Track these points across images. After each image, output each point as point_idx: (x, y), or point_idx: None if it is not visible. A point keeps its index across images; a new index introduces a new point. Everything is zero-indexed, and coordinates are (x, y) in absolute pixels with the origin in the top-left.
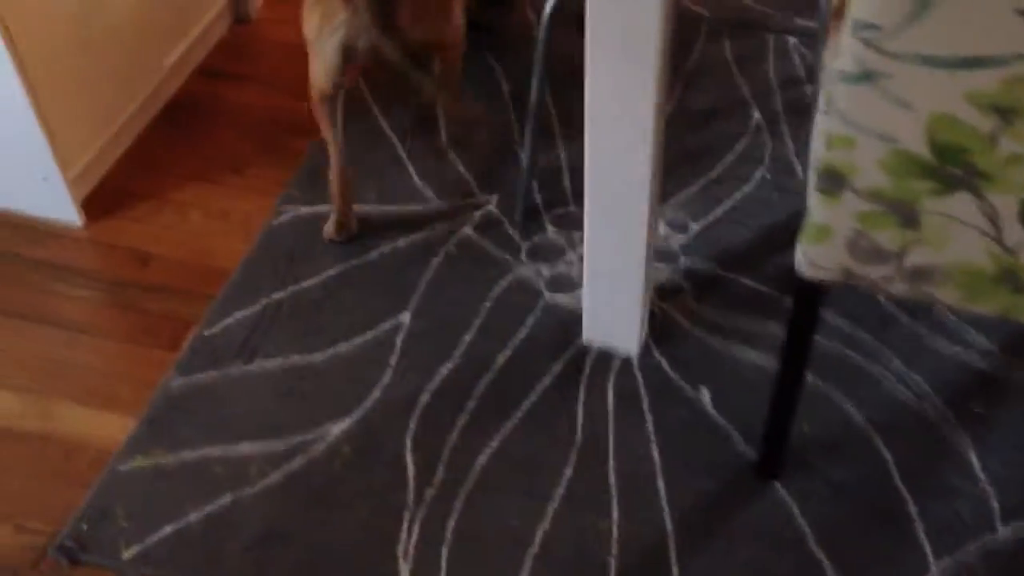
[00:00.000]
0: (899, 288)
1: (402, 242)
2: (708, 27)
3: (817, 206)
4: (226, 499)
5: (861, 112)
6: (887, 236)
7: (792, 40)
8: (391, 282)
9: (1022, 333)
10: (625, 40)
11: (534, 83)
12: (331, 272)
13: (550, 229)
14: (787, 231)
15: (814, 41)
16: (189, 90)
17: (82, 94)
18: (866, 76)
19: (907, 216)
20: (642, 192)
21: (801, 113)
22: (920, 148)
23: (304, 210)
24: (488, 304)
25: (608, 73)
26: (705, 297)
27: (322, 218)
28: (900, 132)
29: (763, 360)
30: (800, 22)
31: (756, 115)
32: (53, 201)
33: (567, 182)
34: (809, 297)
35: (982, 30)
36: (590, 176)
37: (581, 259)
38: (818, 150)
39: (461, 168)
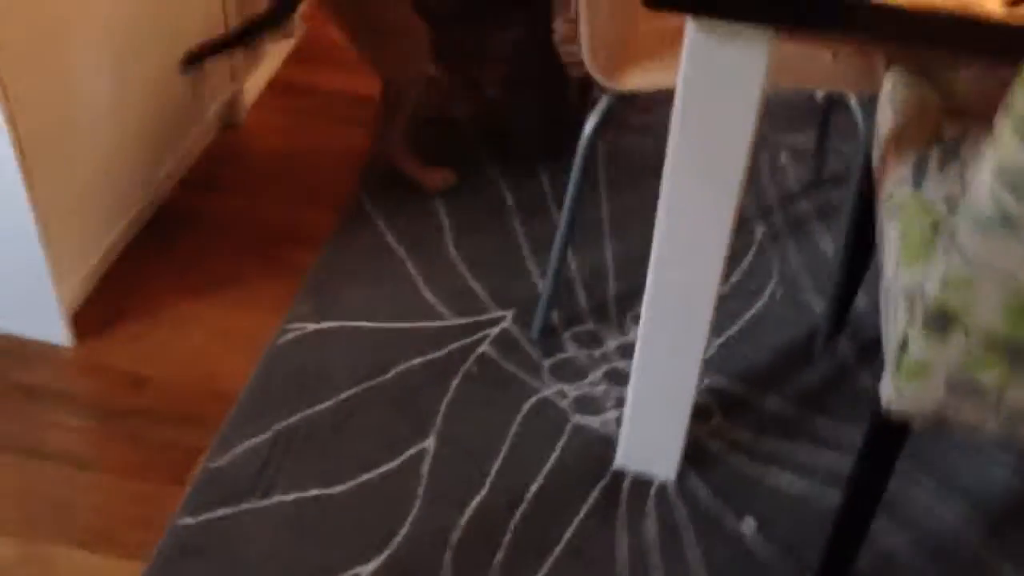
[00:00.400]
0: (995, 430)
1: (418, 361)
2: None
3: (920, 343)
4: None
5: (990, 255)
6: (991, 375)
7: (784, 155)
8: (410, 405)
9: None
10: (708, 172)
11: (568, 200)
12: (345, 394)
13: (570, 347)
14: (804, 348)
15: (804, 156)
16: (179, 201)
17: (81, 208)
18: (1005, 221)
19: (1017, 358)
20: (703, 319)
21: (802, 226)
22: None
23: (312, 327)
24: (514, 429)
25: (685, 204)
26: (732, 418)
27: (330, 336)
28: None
29: (802, 486)
30: (791, 137)
31: (759, 230)
32: (45, 321)
33: (582, 298)
34: (892, 434)
35: None
36: (651, 303)
37: (605, 379)
38: (930, 289)
39: (472, 282)
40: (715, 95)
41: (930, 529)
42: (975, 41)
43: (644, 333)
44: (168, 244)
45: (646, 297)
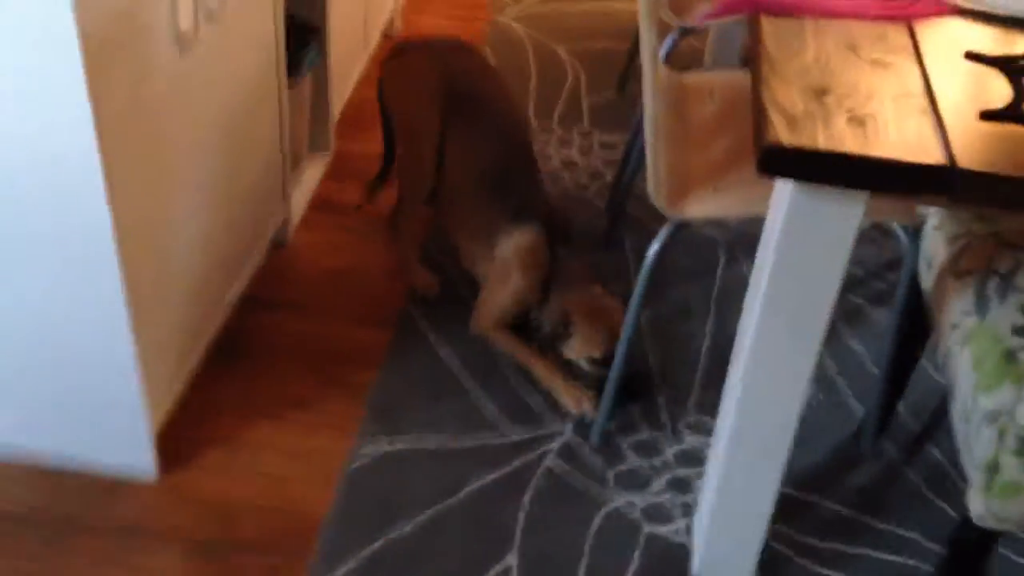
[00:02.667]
0: None
1: (489, 478)
2: (725, 251)
3: (1012, 467)
4: None
5: None
6: None
7: None
8: (487, 523)
9: None
10: (798, 314)
11: (630, 317)
12: (424, 516)
13: (630, 456)
14: (851, 450)
15: None
16: (238, 322)
17: (171, 336)
18: None
19: None
20: (785, 438)
21: (833, 332)
22: None
23: (387, 448)
24: (590, 540)
25: (774, 343)
26: (794, 523)
27: (402, 457)
28: None
29: None
30: None
31: None
32: (136, 453)
33: (634, 408)
34: (982, 544)
35: None
36: (736, 421)
37: (669, 487)
38: (1021, 416)
39: (527, 396)
40: (810, 248)
41: None
42: None
43: (728, 449)
44: (233, 367)
45: (730, 417)
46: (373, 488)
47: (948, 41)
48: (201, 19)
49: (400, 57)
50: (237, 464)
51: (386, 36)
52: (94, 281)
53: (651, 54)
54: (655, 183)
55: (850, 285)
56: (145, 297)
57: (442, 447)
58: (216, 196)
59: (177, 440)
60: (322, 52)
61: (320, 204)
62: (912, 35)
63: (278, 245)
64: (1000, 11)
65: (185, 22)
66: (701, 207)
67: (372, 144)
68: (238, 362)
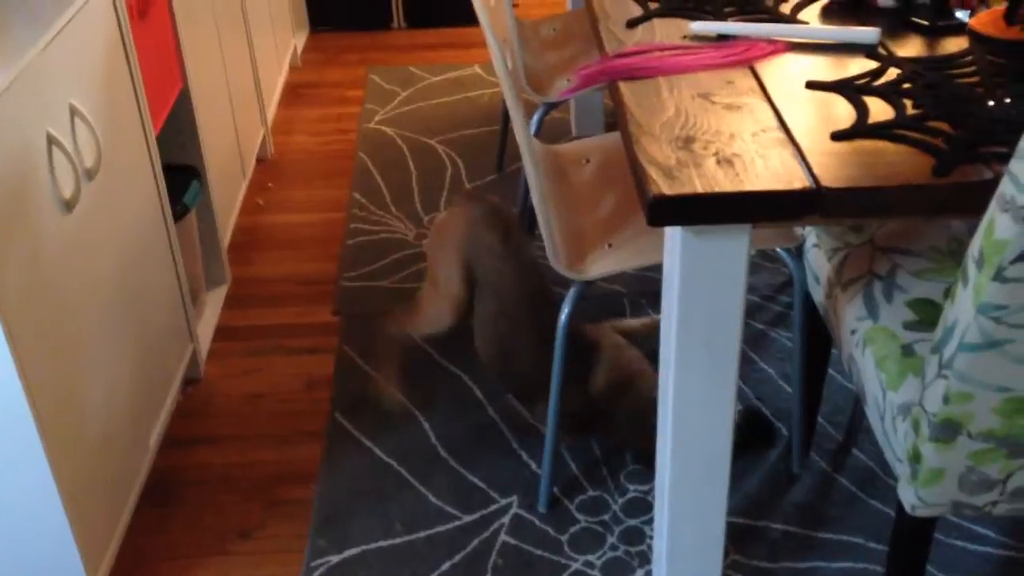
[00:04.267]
0: (1001, 509)
1: (447, 566)
2: (628, 301)
3: (931, 454)
4: None
5: (981, 372)
6: (995, 467)
7: None
8: None
9: (1021, 520)
10: (711, 344)
11: (554, 383)
12: None
13: (580, 517)
14: (783, 470)
15: None
16: (162, 464)
17: (95, 492)
18: (990, 344)
19: (1014, 448)
20: (722, 466)
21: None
22: None
23: (335, 559)
24: None
25: (692, 375)
26: (746, 549)
27: (356, 564)
28: (1016, 382)
29: None
30: None
31: None
32: None
33: (573, 466)
34: (920, 532)
35: None
36: (672, 458)
37: (623, 540)
38: (932, 407)
39: (470, 477)
40: (708, 284)
41: None
42: (916, 205)
43: (670, 491)
44: (170, 511)
45: (665, 461)
46: None
47: (788, 75)
48: (81, 179)
49: (450, 211)
50: None
51: (260, 160)
52: (15, 456)
53: (523, 131)
54: (553, 249)
55: (750, 312)
56: (66, 457)
57: (394, 545)
58: (122, 345)
59: None
60: (203, 189)
61: (225, 333)
62: (756, 76)
63: (191, 381)
64: (828, 40)
65: (66, 187)
66: (600, 265)
67: (267, 266)
68: (173, 505)
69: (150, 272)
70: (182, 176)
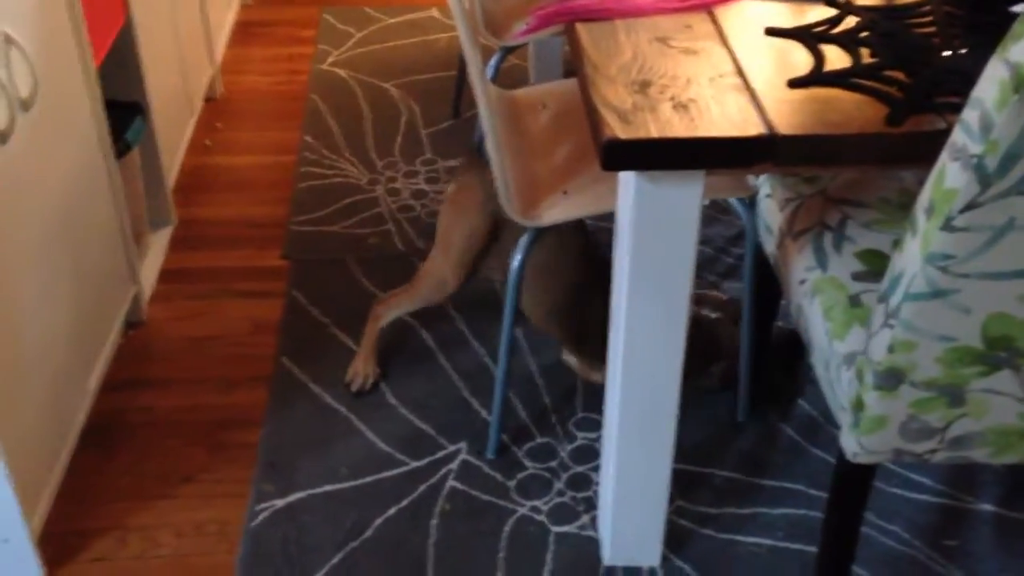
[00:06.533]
0: (940, 456)
1: (393, 511)
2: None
3: (874, 402)
4: None
5: (926, 321)
6: (936, 416)
7: None
8: (400, 555)
9: (958, 468)
10: (661, 288)
11: (505, 327)
12: (335, 559)
13: (528, 463)
14: (730, 419)
15: None
16: (104, 408)
17: (32, 432)
18: (936, 294)
19: (955, 396)
20: (670, 415)
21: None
22: (974, 342)
23: (280, 502)
24: (503, 554)
25: (643, 316)
26: (691, 496)
27: (301, 508)
28: (959, 332)
29: (770, 543)
30: None
31: None
32: (16, 556)
33: (523, 414)
34: (860, 478)
35: None
36: (622, 410)
37: (570, 486)
38: (876, 355)
39: (419, 423)
40: (661, 230)
41: (884, 556)
42: (869, 154)
43: (618, 436)
44: (112, 454)
45: (614, 407)
46: (276, 544)
47: (747, 21)
48: (16, 110)
49: (461, 179)
50: (130, 551)
51: (208, 99)
52: None
53: (479, 75)
54: (506, 195)
55: (703, 264)
56: (1, 396)
57: (340, 490)
58: (59, 284)
59: (63, 536)
60: (147, 127)
61: (170, 276)
62: (715, 21)
63: (134, 324)
64: None
65: (0, 117)
66: (554, 212)
67: (215, 208)
68: (115, 448)
69: (90, 210)
70: (125, 112)
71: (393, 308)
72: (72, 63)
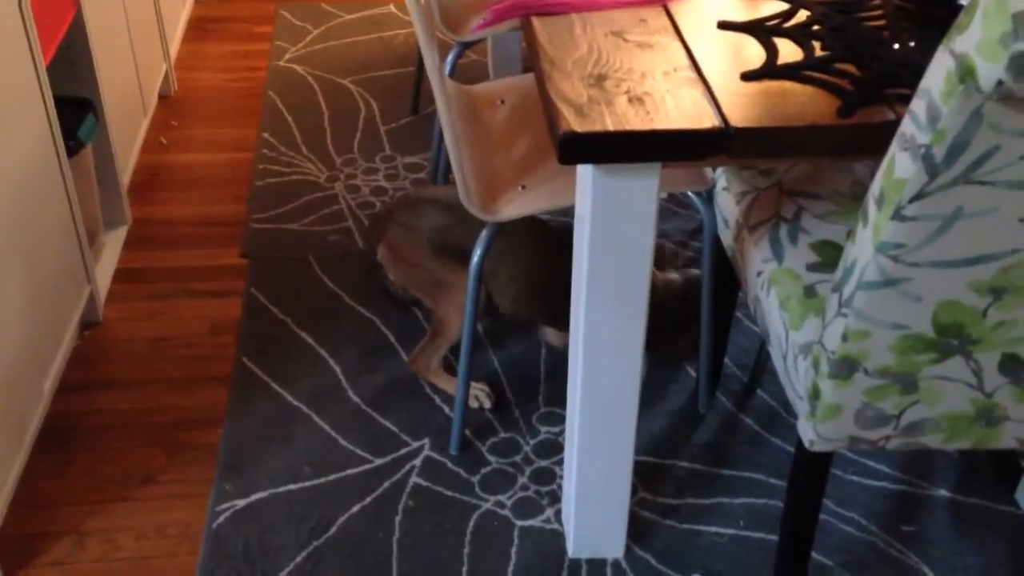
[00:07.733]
0: (895, 443)
1: (356, 508)
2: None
3: (829, 391)
4: None
5: (878, 310)
6: (890, 403)
7: None
8: (364, 553)
9: (914, 456)
10: (621, 277)
11: (466, 324)
12: (299, 558)
13: (491, 458)
14: (690, 410)
15: None
16: (60, 410)
17: None
18: (888, 283)
19: (908, 384)
20: (630, 408)
21: None
22: (926, 329)
23: (241, 503)
24: (467, 549)
25: (603, 307)
26: (653, 487)
27: (263, 507)
28: (911, 320)
29: (731, 532)
30: None
31: None
32: None
33: (487, 412)
34: (817, 466)
35: (989, 235)
36: (582, 398)
37: (533, 480)
38: (831, 344)
39: (381, 420)
40: (618, 223)
41: (841, 539)
42: (822, 146)
43: (580, 429)
44: (70, 457)
45: (575, 400)
46: (238, 544)
47: (701, 16)
48: None
49: (392, 226)
50: (89, 554)
51: (163, 96)
52: None
53: (436, 71)
54: (465, 191)
55: (662, 258)
56: None
57: (303, 488)
58: (13, 284)
59: (19, 540)
60: (99, 124)
61: (126, 276)
62: (669, 15)
63: (90, 325)
64: None
65: None
66: (513, 207)
67: (171, 206)
68: (72, 451)
69: (42, 209)
70: (76, 110)
71: (432, 357)
72: (20, 57)
